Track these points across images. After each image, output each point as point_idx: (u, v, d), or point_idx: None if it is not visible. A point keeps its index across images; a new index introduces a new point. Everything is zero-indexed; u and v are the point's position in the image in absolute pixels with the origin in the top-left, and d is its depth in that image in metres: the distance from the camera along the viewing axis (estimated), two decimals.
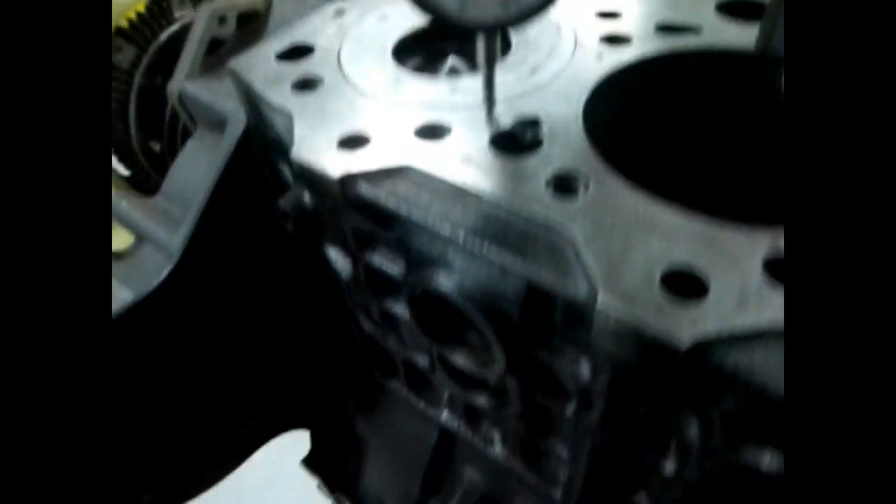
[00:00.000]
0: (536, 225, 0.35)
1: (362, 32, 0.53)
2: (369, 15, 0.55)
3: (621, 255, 0.32)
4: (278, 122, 0.47)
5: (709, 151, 0.48)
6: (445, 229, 0.37)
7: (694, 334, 0.29)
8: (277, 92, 0.47)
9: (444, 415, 0.65)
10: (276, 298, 0.70)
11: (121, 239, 0.66)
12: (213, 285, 0.60)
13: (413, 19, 0.54)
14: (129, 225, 0.63)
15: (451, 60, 0.52)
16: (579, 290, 0.33)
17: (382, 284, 0.52)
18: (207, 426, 0.71)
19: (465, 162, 0.39)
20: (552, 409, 0.49)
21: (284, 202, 0.48)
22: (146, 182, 0.88)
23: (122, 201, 0.63)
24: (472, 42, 0.56)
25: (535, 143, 0.40)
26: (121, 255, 0.63)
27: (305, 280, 0.69)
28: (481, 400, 0.55)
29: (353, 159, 0.40)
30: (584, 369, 0.40)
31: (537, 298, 0.38)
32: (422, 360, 0.60)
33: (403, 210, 0.38)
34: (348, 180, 0.40)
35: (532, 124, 0.41)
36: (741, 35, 0.47)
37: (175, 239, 0.58)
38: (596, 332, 0.32)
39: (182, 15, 0.82)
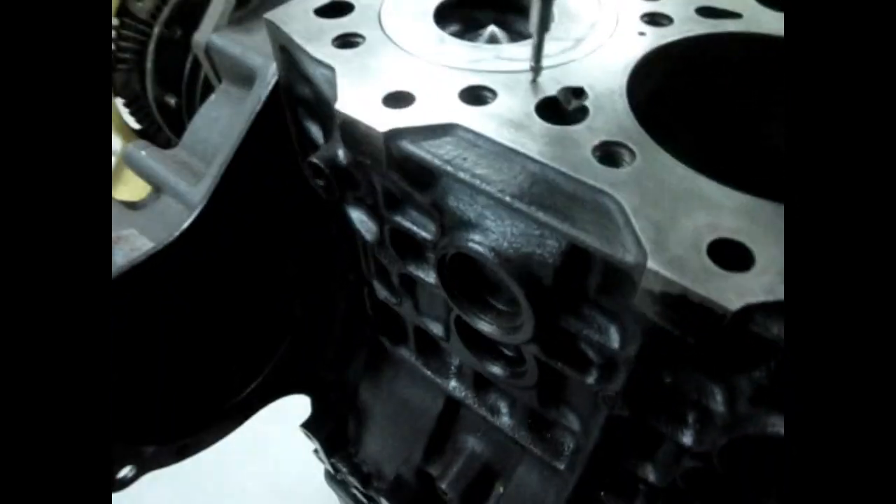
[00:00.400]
0: (585, 189, 0.35)
1: None
2: None
3: (669, 223, 0.33)
4: (319, 77, 0.46)
5: (746, 136, 0.49)
6: (493, 189, 0.37)
7: (742, 300, 0.30)
8: (318, 46, 0.47)
9: (452, 384, 0.66)
10: (292, 258, 0.70)
11: (132, 190, 0.66)
12: (230, 239, 0.59)
13: None
14: (147, 175, 0.63)
15: (491, 29, 0.51)
16: (626, 255, 0.33)
17: (409, 247, 0.52)
18: (216, 380, 0.71)
19: (510, 126, 0.39)
20: (570, 379, 0.50)
21: (318, 158, 0.48)
22: (156, 136, 0.87)
23: (141, 151, 0.63)
24: (511, 13, 0.56)
25: (580, 113, 0.41)
26: (138, 206, 0.62)
27: (322, 243, 0.69)
28: (495, 369, 0.56)
29: (398, 116, 0.40)
30: (613, 338, 0.41)
31: (577, 262, 0.39)
32: (435, 328, 0.60)
33: (448, 169, 0.39)
34: (393, 136, 0.40)
35: (577, 94, 0.42)
36: (780, 22, 0.48)
37: (196, 191, 0.58)
38: (640, 297, 0.33)
39: None
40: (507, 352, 0.56)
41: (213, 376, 0.72)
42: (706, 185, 0.35)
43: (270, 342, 0.76)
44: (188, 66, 0.74)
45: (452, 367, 0.66)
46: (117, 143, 0.84)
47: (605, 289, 0.39)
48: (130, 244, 0.56)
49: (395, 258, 0.54)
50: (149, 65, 0.78)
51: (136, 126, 0.86)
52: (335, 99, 0.43)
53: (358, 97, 0.42)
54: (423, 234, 0.48)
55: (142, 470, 0.67)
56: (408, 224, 0.49)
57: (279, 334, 0.77)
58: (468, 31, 0.54)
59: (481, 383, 0.64)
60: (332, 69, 0.45)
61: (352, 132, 0.42)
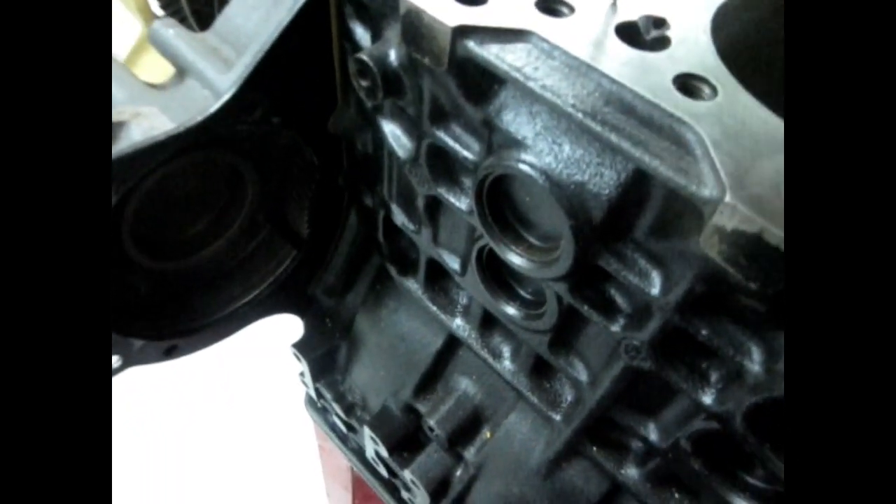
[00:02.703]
0: (663, 115, 0.33)
1: None
2: None
3: (749, 161, 0.31)
4: None
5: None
6: (564, 103, 0.35)
7: None
8: None
9: (457, 322, 0.65)
10: (305, 169, 0.67)
11: (151, 75, 0.62)
12: (253, 135, 0.56)
13: None
14: (172, 56, 0.59)
15: None
16: (703, 188, 0.31)
17: (445, 167, 0.50)
18: (214, 283, 0.69)
19: (587, 42, 0.37)
20: (591, 325, 0.49)
21: (367, 55, 0.45)
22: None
23: (169, 30, 0.59)
24: None
25: (659, 44, 0.38)
26: (160, 87, 0.59)
27: (339, 156, 0.66)
28: (511, 309, 0.54)
29: (468, 13, 0.38)
30: (654, 283, 0.39)
31: (634, 198, 0.37)
32: (452, 262, 0.59)
33: (517, 76, 0.36)
34: (462, 33, 0.37)
35: (659, 24, 0.39)
36: None
37: (225, 78, 0.55)
38: (707, 234, 0.31)
39: None
40: (525, 293, 0.55)
41: (212, 278, 0.70)
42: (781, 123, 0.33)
43: (274, 255, 0.74)
44: None
45: (459, 305, 0.65)
46: (138, 25, 0.80)
47: (659, 229, 0.37)
48: (150, 121, 0.53)
49: (427, 178, 0.51)
50: None
51: (160, 12, 0.81)
52: None
53: None
54: (466, 153, 0.46)
55: (127, 363, 0.65)
56: (450, 141, 0.46)
57: (282, 249, 0.74)
58: None
59: (487, 324, 0.63)
60: None
61: (416, 24, 0.39)
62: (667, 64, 0.36)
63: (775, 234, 0.29)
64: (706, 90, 0.35)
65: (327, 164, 0.67)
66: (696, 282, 0.36)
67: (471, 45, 0.37)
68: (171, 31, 0.59)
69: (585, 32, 0.37)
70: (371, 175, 0.63)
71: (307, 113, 0.60)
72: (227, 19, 0.60)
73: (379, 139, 0.56)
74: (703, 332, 0.38)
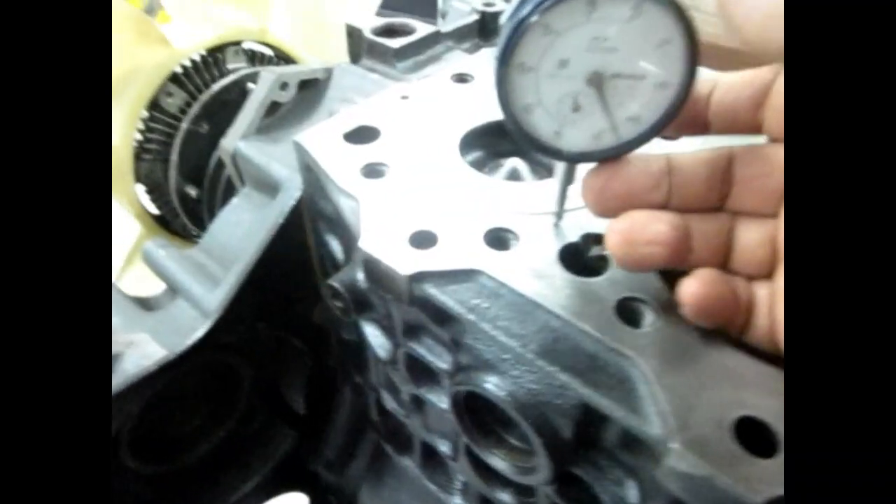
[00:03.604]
0: (607, 351, 0.35)
1: (428, 122, 0.55)
2: (434, 105, 0.57)
3: (693, 394, 0.33)
4: (343, 205, 0.47)
5: None
6: (515, 344, 0.37)
7: (768, 495, 0.29)
8: (344, 174, 0.48)
9: (456, 501, 0.64)
10: (295, 356, 0.69)
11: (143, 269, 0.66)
12: (244, 349, 0.59)
13: (476, 113, 0.56)
14: (164, 275, 0.63)
15: (513, 163, 0.53)
16: (650, 426, 0.33)
17: (422, 373, 0.52)
18: (215, 481, 0.69)
19: (533, 275, 0.40)
20: None
21: (337, 281, 0.49)
22: (173, 222, 0.89)
23: (160, 250, 0.63)
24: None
25: (601, 260, 0.41)
26: (151, 303, 0.63)
27: (334, 346, 0.68)
28: (504, 496, 0.54)
29: (422, 258, 0.41)
30: (631, 493, 0.40)
31: (596, 420, 0.38)
32: (443, 447, 0.59)
33: (470, 317, 0.39)
34: (417, 279, 0.40)
35: (598, 240, 0.42)
36: None
37: (212, 297, 0.58)
38: (663, 472, 0.32)
39: (236, 67, 0.84)
40: (517, 480, 0.55)
41: (211, 471, 0.70)
42: (729, 352, 0.35)
43: (273, 438, 0.74)
44: (213, 162, 0.76)
45: (458, 484, 0.65)
46: (136, 228, 0.86)
47: (626, 446, 0.38)
48: (142, 349, 0.55)
49: (408, 380, 0.53)
50: (174, 157, 0.80)
51: (156, 211, 0.88)
52: (359, 233, 0.44)
53: (382, 235, 0.43)
54: (439, 363, 0.48)
55: None
56: (423, 352, 0.49)
57: (282, 431, 0.75)
58: (490, 159, 0.55)
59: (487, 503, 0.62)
60: (356, 200, 0.46)
61: (374, 270, 0.42)
62: (608, 289, 0.39)
63: (723, 480, 0.30)
64: (647, 312, 0.37)
65: (317, 348, 0.70)
66: (668, 501, 0.37)
67: (426, 287, 0.40)
68: (162, 252, 0.63)
69: (530, 263, 0.40)
70: (359, 362, 0.65)
71: (292, 312, 0.63)
72: (212, 236, 0.64)
73: (361, 335, 0.59)
74: None
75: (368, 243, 0.42)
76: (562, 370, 0.36)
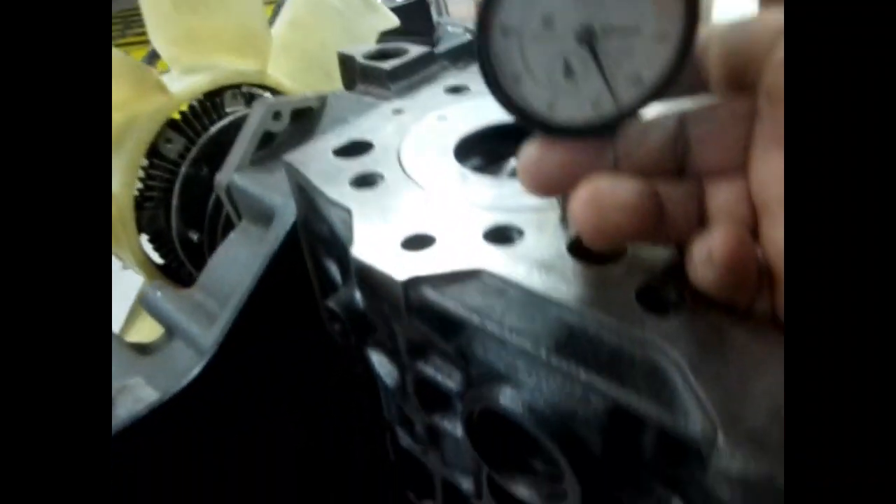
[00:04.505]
0: (632, 342, 0.31)
1: (422, 131, 0.52)
2: (428, 115, 0.55)
3: (738, 384, 0.28)
4: (335, 218, 0.44)
5: None
6: (525, 343, 0.33)
7: None
8: (335, 187, 0.45)
9: None
10: (309, 404, 0.65)
11: (152, 326, 0.63)
12: (245, 389, 0.55)
13: (473, 121, 0.53)
14: (161, 318, 0.60)
15: (514, 162, 0.50)
16: (690, 424, 0.28)
17: (433, 398, 0.47)
18: None
19: (541, 268, 0.35)
20: None
21: (334, 302, 0.45)
22: (178, 272, 0.87)
23: (157, 292, 0.61)
24: None
25: (616, 251, 0.37)
26: (149, 349, 0.59)
27: (341, 385, 0.64)
28: None
29: (417, 261, 0.37)
30: None
31: (628, 427, 0.33)
32: (465, 483, 0.54)
33: (475, 320, 0.35)
34: (413, 284, 0.36)
35: None
36: None
37: (208, 335, 0.55)
38: (713, 477, 0.27)
39: (234, 110, 0.84)
40: None
41: None
42: (774, 336, 0.30)
43: (285, 497, 0.69)
44: (211, 202, 0.75)
45: None
46: (141, 280, 0.84)
47: (668, 454, 0.33)
48: (134, 395, 0.52)
49: (419, 408, 0.48)
50: (175, 202, 0.78)
51: (160, 261, 0.86)
52: (351, 242, 0.40)
53: (374, 241, 0.39)
54: (449, 383, 0.43)
55: None
56: (431, 372, 0.44)
57: (295, 487, 0.70)
58: (490, 163, 0.52)
59: None
60: (348, 211, 0.43)
61: (368, 279, 0.38)
62: (626, 277, 0.34)
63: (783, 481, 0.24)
64: (673, 297, 0.33)
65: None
66: None
67: (424, 292, 0.36)
68: (159, 294, 0.61)
69: (537, 257, 0.36)
70: (370, 398, 0.60)
71: (298, 352, 0.59)
72: (209, 272, 0.62)
73: (369, 366, 0.55)
74: None
75: (360, 250, 0.39)
76: (582, 367, 0.31)
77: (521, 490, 0.42)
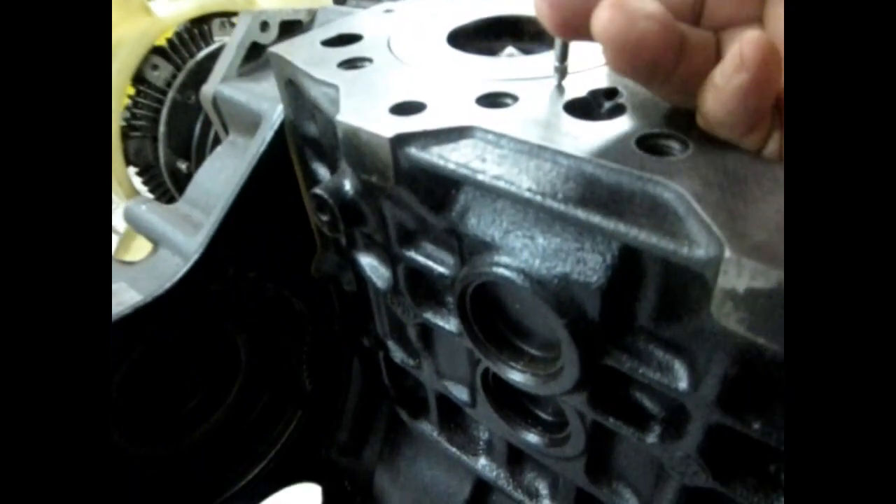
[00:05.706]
0: (632, 179, 0.29)
1: (413, 24, 0.50)
2: (420, 12, 0.53)
3: (744, 208, 0.26)
4: (322, 99, 0.42)
5: None
6: (519, 189, 0.31)
7: None
8: (322, 69, 0.43)
9: (481, 462, 0.56)
10: (299, 318, 0.63)
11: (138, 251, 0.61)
12: (230, 294, 0.53)
13: (465, 19, 0.51)
14: (146, 231, 0.58)
15: (509, 49, 0.48)
16: (695, 248, 0.26)
17: (425, 289, 0.46)
18: (211, 461, 0.63)
19: (536, 125, 0.34)
20: (626, 441, 0.41)
21: (322, 189, 0.43)
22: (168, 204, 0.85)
23: (142, 206, 0.59)
24: (530, 40, 0.53)
25: (617, 111, 0.35)
26: (134, 263, 0.58)
27: (330, 301, 0.62)
28: (532, 437, 0.47)
29: (406, 122, 0.35)
30: (680, 376, 0.33)
31: (627, 279, 0.31)
32: (459, 393, 0.52)
33: (464, 172, 0.33)
34: (401, 141, 0.34)
35: (610, 94, 0.36)
36: None
37: (193, 241, 0.53)
38: (718, 302, 0.25)
39: (222, 39, 0.81)
40: (545, 415, 0.48)
41: (213, 455, 0.64)
42: (779, 168, 0.28)
43: (277, 419, 0.68)
44: (198, 127, 0.73)
45: (481, 442, 0.57)
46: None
47: (666, 310, 0.31)
48: (117, 298, 0.50)
49: (411, 305, 0.47)
50: (162, 129, 0.76)
51: (149, 195, 0.84)
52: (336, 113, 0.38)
53: (362, 108, 0.37)
54: (441, 269, 0.42)
55: None
56: (423, 259, 0.42)
57: (286, 410, 0.69)
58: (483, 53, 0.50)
59: (516, 459, 0.54)
60: (335, 87, 0.41)
61: (355, 144, 0.36)
62: (627, 128, 0.32)
63: None
64: (676, 146, 0.31)
65: (319, 312, 0.64)
66: (729, 366, 0.29)
67: (412, 151, 0.35)
68: (143, 207, 0.59)
69: (533, 116, 0.34)
70: (362, 314, 0.59)
71: (286, 262, 0.58)
72: (196, 185, 0.60)
73: (360, 275, 0.53)
74: (757, 426, 0.31)
75: (347, 114, 0.37)
76: (579, 206, 0.29)
77: (516, 375, 0.40)
